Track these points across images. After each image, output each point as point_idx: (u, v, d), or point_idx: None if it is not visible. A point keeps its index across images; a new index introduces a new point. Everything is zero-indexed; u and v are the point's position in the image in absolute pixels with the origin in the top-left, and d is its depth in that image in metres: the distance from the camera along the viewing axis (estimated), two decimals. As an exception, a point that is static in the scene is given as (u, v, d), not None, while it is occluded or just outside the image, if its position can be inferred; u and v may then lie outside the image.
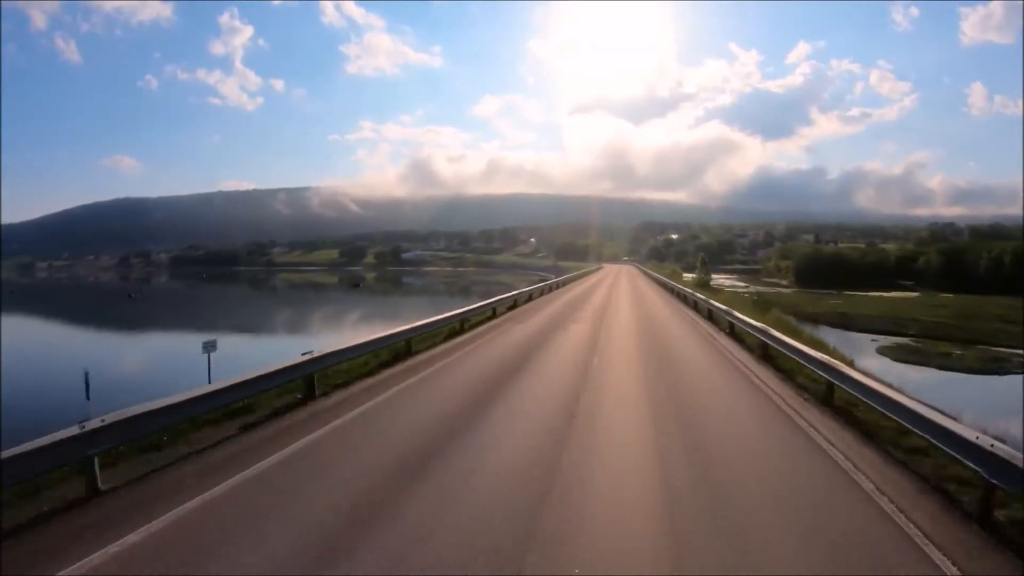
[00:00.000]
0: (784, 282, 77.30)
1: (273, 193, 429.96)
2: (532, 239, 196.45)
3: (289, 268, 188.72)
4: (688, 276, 69.49)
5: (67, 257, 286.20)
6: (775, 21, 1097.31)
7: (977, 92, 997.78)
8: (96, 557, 4.33)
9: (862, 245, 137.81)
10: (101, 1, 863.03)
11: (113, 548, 4.45)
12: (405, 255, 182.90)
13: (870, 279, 72.76)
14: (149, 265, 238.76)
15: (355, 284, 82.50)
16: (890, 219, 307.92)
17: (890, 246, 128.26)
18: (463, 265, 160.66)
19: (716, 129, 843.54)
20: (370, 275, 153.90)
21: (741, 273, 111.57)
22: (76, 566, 4.22)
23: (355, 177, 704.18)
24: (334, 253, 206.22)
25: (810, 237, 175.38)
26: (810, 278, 72.31)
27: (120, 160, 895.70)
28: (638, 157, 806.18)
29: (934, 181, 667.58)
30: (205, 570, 4.15)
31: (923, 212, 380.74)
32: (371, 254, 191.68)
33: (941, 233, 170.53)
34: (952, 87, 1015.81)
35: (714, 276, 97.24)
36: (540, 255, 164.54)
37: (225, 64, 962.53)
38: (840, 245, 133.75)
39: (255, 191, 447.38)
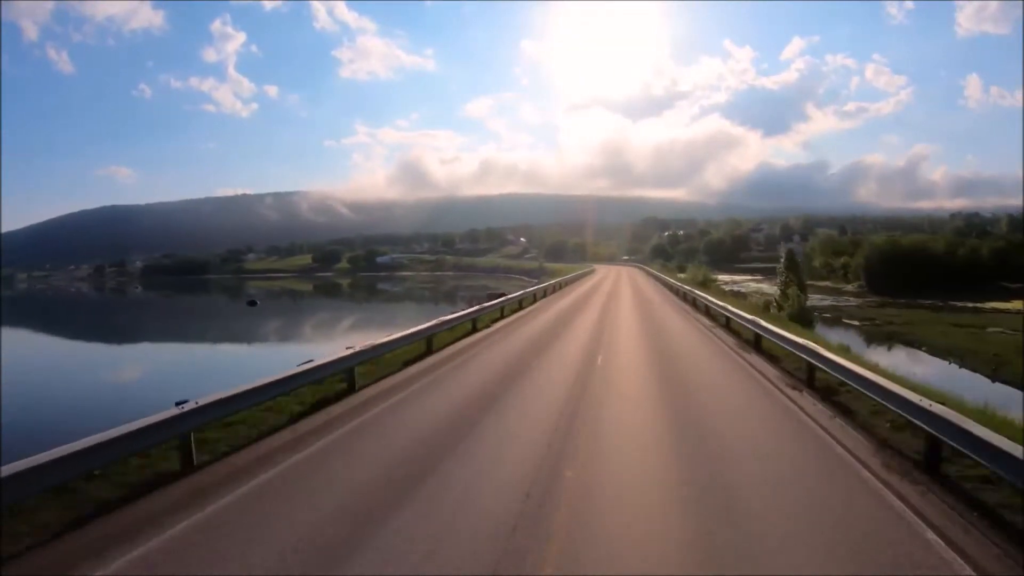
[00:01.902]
0: (849, 287, 54.75)
1: (261, 198, 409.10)
2: (522, 239, 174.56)
3: (259, 275, 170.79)
4: (720, 277, 47.30)
5: (49, 267, 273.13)
6: (769, 17, 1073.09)
7: (973, 84, 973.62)
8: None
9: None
10: (94, 3, 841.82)
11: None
12: (380, 259, 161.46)
13: (963, 281, 50.64)
14: (121, 275, 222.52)
15: (250, 303, 60.95)
16: (892, 212, 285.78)
17: (924, 237, 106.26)
18: (443, 268, 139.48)
19: (714, 124, 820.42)
20: (345, 281, 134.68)
21: (768, 274, 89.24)
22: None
23: (349, 181, 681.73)
24: (308, 258, 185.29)
25: (827, 231, 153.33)
26: (887, 282, 49.99)
27: (116, 170, 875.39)
28: (635, 155, 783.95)
29: (936, 173, 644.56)
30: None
31: (926, 205, 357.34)
32: (345, 258, 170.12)
33: (979, 224, 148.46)
34: (948, 79, 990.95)
35: (740, 279, 74.96)
36: (529, 256, 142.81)
37: (218, 71, 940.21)
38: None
39: (244, 196, 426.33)
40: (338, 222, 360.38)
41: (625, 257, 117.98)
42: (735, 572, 4.03)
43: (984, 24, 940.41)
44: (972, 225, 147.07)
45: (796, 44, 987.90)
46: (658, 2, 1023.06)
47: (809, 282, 65.77)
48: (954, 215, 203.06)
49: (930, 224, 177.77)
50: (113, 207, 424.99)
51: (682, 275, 52.41)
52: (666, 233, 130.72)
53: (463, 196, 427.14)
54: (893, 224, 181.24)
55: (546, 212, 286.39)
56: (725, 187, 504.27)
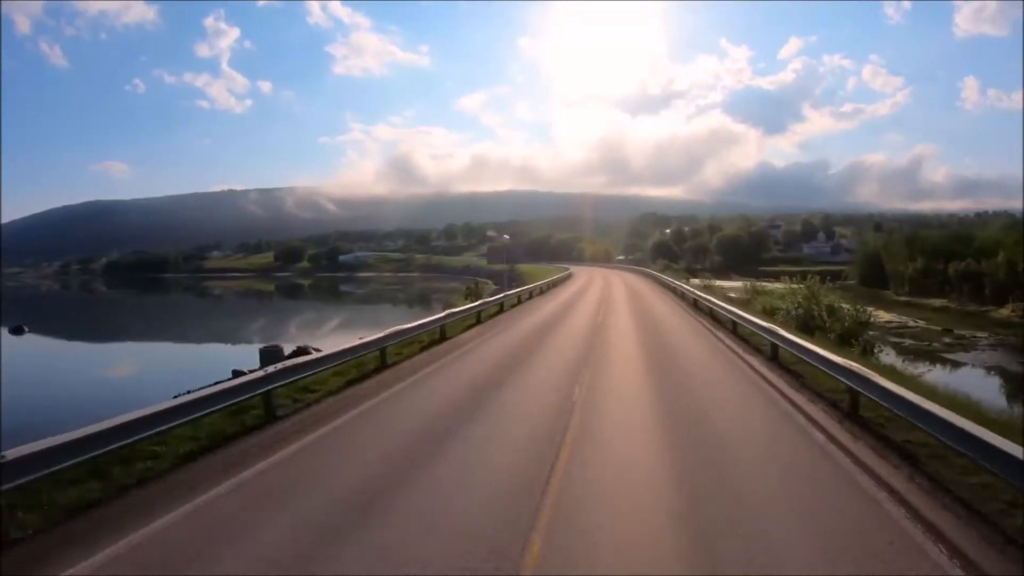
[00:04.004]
0: (1002, 311, 31.49)
1: (247, 194, 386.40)
2: (506, 236, 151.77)
3: (216, 275, 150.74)
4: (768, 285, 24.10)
5: (29, 263, 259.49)
6: (766, 16, 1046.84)
7: (971, 86, 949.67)
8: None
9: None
10: (86, 3, 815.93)
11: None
12: (342, 257, 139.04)
13: None
14: (85, 272, 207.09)
15: (14, 330, 38.36)
16: (893, 212, 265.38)
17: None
18: (410, 268, 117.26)
19: (714, 120, 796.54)
20: (306, 281, 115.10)
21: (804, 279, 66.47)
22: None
23: (337, 176, 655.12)
24: (270, 256, 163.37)
25: (843, 229, 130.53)
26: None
27: (110, 166, 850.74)
28: (632, 152, 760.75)
29: (936, 174, 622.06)
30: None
31: (927, 206, 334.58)
32: (306, 257, 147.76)
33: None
34: (946, 81, 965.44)
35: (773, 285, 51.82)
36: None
37: (212, 67, 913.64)
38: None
39: (231, 192, 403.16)
40: (325, 218, 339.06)
41: (620, 257, 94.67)
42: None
43: (982, 25, 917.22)
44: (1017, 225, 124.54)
45: (793, 44, 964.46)
46: (655, 0, 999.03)
47: (906, 298, 42.81)
48: (979, 214, 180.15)
49: (958, 223, 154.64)
50: (97, 202, 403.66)
51: (730, 287, 29.46)
52: (667, 230, 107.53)
53: (455, 192, 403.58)
54: (917, 222, 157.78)
55: (540, 209, 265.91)
56: (723, 185, 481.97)
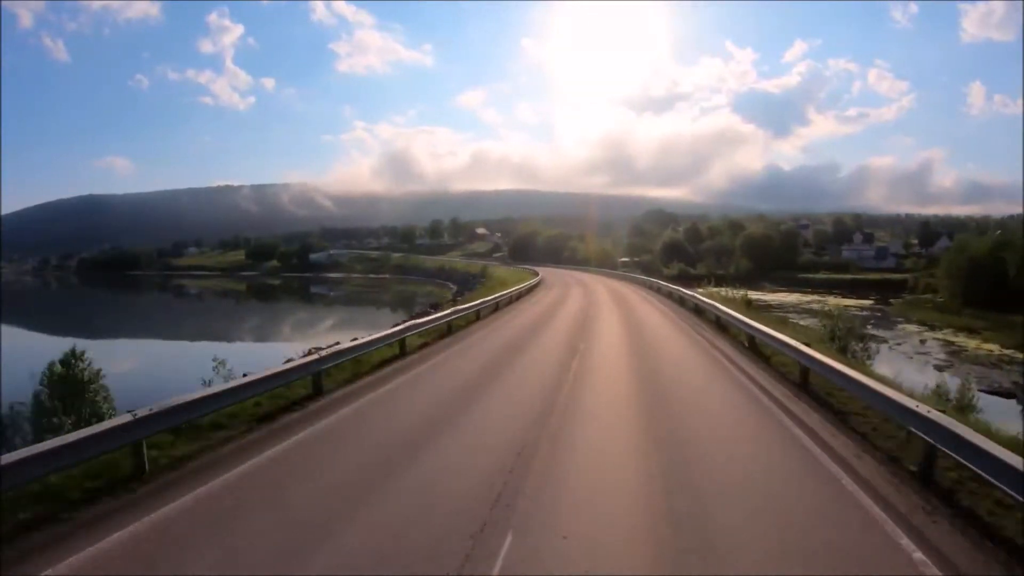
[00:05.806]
0: None
1: (240, 189, 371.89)
2: (497, 234, 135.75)
3: (184, 273, 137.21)
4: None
5: (15, 258, 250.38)
6: (772, 18, 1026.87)
7: (976, 91, 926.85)
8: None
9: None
10: (88, 1, 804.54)
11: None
12: (313, 256, 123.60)
13: None
14: (60, 269, 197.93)
15: None
16: (896, 215, 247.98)
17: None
18: (384, 269, 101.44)
19: (719, 122, 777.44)
20: (275, 281, 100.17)
21: (880, 295, 49.45)
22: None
23: (334, 173, 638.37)
24: (242, 254, 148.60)
25: (863, 233, 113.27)
26: None
27: (112, 161, 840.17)
28: (635, 153, 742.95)
29: (946, 179, 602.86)
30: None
31: (935, 210, 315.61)
32: (277, 255, 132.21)
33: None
34: (951, 86, 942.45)
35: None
36: (498, 255, 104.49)
37: (216, 63, 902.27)
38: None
39: (228, 187, 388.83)
40: (320, 215, 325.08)
41: (624, 259, 77.76)
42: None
43: (990, 30, 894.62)
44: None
45: (798, 47, 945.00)
46: (659, 1, 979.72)
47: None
48: (1012, 217, 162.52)
49: (994, 227, 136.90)
50: (90, 196, 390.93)
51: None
52: (682, 227, 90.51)
53: (454, 191, 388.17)
54: (945, 225, 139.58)
55: (540, 208, 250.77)
56: (728, 187, 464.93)
